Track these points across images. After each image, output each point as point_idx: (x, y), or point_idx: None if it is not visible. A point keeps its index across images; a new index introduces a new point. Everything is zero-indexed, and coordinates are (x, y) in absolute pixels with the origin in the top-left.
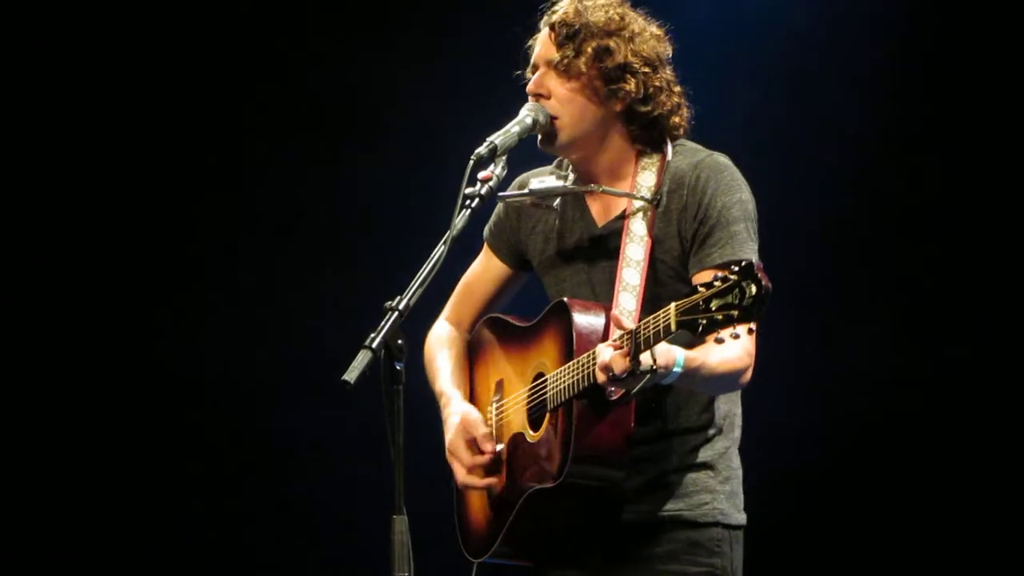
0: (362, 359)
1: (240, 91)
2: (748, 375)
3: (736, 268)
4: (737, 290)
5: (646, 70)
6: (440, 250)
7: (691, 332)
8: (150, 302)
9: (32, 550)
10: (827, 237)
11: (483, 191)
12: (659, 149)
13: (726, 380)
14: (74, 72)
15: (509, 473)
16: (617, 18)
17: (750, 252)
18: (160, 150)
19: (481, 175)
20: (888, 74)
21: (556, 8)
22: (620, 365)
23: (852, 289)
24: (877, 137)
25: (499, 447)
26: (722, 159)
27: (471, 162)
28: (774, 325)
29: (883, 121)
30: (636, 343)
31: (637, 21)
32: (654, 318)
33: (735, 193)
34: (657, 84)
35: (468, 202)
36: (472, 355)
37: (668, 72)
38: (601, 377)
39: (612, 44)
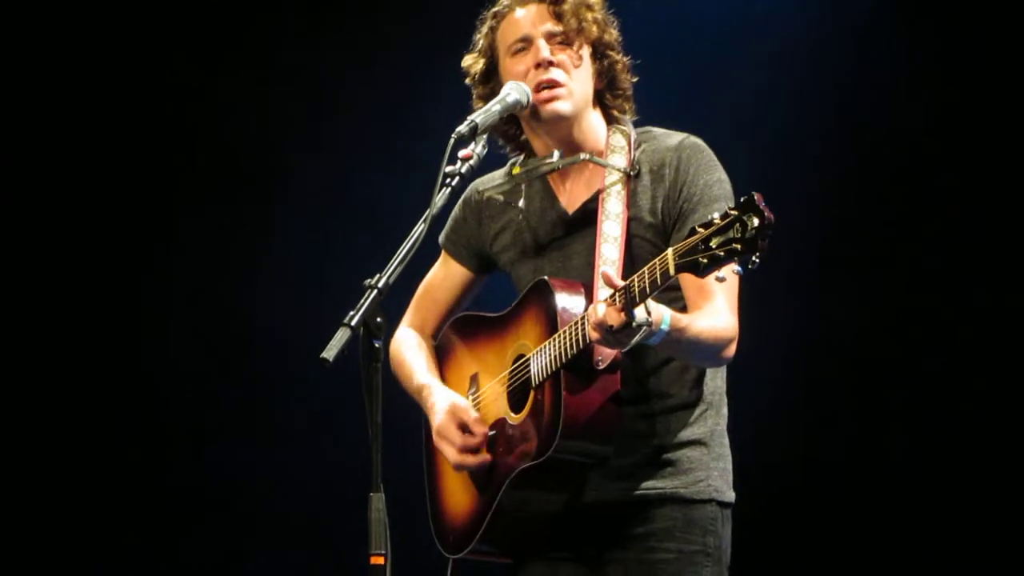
0: (341, 336)
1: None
2: (732, 349)
3: (735, 203)
4: (738, 224)
5: (618, 49)
6: (420, 228)
7: (693, 272)
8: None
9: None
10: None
11: (463, 169)
12: (621, 131)
13: (711, 349)
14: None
15: (490, 463)
16: (598, 1)
17: None
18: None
19: (461, 153)
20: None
21: None
22: (615, 318)
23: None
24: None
25: (489, 432)
26: (698, 140)
27: (452, 140)
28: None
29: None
30: (630, 296)
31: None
32: (649, 267)
33: (715, 172)
34: (625, 62)
35: (448, 180)
36: (441, 357)
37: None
38: (595, 335)
39: (600, 19)
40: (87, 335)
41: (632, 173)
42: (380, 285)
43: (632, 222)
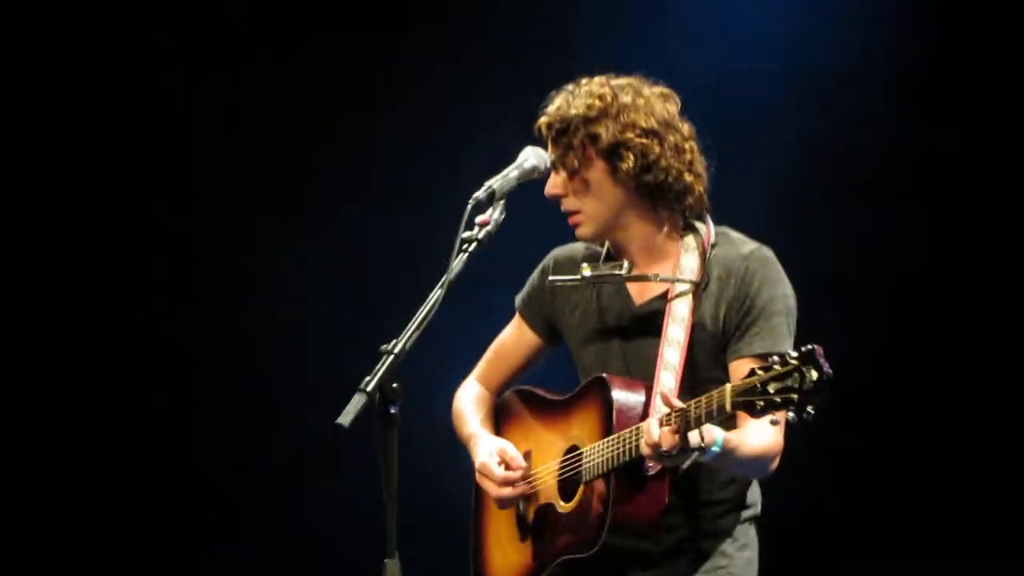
0: (357, 402)
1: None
2: (776, 463)
3: (796, 353)
4: (797, 374)
5: (643, 141)
6: (437, 294)
7: (749, 412)
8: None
9: None
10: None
11: (481, 235)
12: (696, 229)
13: (757, 465)
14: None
15: (536, 542)
16: (599, 100)
17: (787, 346)
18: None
19: (479, 219)
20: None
21: (547, 108)
22: (669, 441)
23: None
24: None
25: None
26: (768, 252)
27: (469, 206)
28: None
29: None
30: (686, 421)
31: (627, 92)
32: (707, 398)
33: (780, 287)
34: (658, 151)
35: (465, 246)
36: (499, 419)
37: (676, 133)
38: (647, 451)
39: (598, 129)
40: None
41: (701, 284)
42: (396, 351)
43: (696, 327)
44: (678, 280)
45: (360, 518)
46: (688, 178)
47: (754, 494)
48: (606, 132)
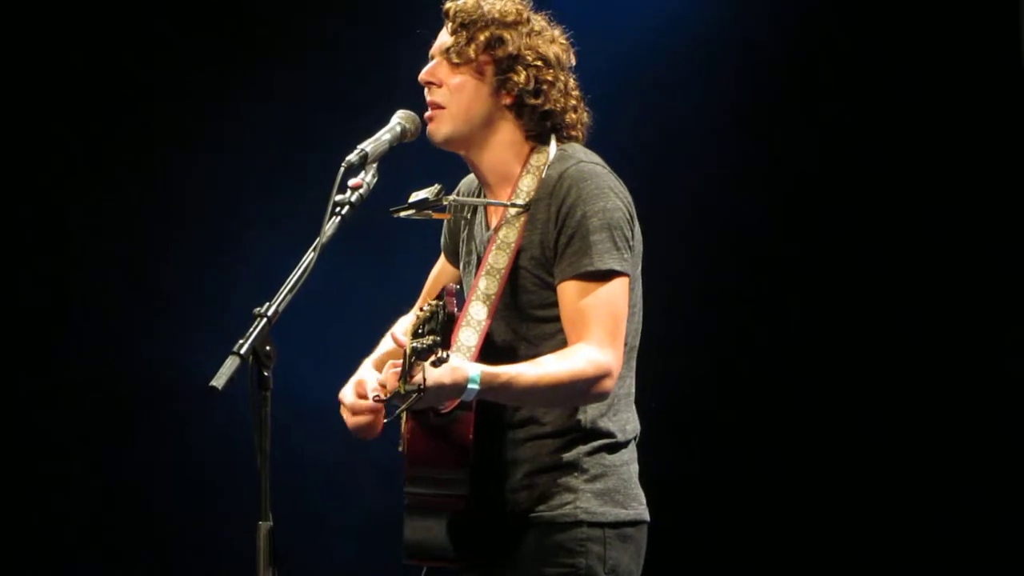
0: (230, 365)
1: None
2: (604, 384)
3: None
4: (436, 314)
5: (538, 63)
6: (310, 257)
7: (420, 359)
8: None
9: None
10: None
11: (353, 198)
12: (543, 152)
13: (562, 392)
14: None
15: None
16: (515, 12)
17: (612, 261)
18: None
19: (351, 182)
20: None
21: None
22: (391, 384)
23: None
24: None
25: (375, 394)
26: (587, 167)
27: (342, 169)
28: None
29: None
30: (404, 362)
31: (539, 21)
32: (417, 339)
33: (597, 202)
34: (549, 79)
35: (338, 209)
36: None
37: (565, 75)
38: (383, 395)
39: (506, 34)
40: None
41: (527, 207)
42: (269, 314)
43: (521, 252)
44: (491, 203)
45: (239, 479)
46: (572, 116)
47: (613, 420)
48: (512, 41)
